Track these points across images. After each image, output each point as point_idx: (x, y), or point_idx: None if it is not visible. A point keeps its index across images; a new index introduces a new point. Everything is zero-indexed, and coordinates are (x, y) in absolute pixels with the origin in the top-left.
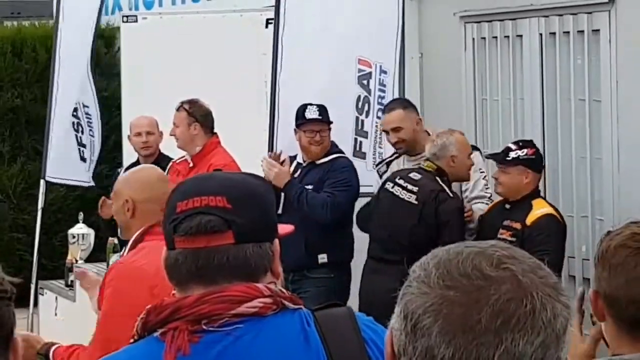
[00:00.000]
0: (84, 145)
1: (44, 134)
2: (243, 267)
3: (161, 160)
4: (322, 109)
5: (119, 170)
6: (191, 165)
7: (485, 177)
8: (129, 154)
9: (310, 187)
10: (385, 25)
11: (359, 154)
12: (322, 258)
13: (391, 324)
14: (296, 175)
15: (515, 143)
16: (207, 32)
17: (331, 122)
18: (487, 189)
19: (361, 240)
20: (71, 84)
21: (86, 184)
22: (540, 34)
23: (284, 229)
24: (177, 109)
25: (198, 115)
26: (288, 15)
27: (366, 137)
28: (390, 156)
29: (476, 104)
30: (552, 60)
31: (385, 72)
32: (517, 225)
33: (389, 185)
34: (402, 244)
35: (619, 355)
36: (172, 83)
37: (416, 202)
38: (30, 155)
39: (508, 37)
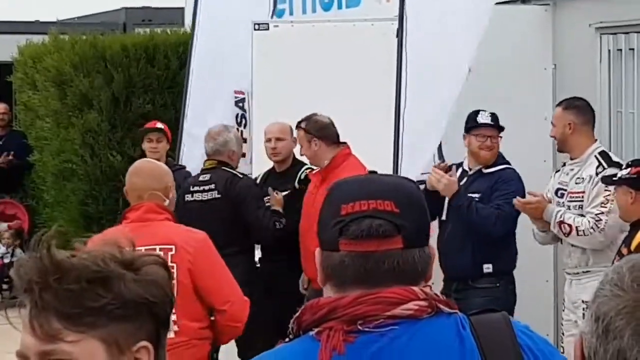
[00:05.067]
0: (244, 140)
1: (174, 139)
2: (411, 272)
3: (295, 166)
4: (493, 116)
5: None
6: (322, 178)
7: (607, 195)
8: (258, 160)
9: (477, 195)
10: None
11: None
12: (487, 268)
13: (581, 328)
14: (462, 182)
15: (628, 162)
16: (338, 41)
17: (502, 129)
18: (601, 207)
19: (524, 249)
20: (230, 75)
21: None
22: None
23: None
24: (296, 128)
25: (314, 130)
26: (409, 24)
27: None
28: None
29: (611, 116)
30: None
31: None
32: (624, 251)
33: (187, 197)
34: (222, 238)
35: None
36: (303, 91)
37: (219, 195)
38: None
39: None
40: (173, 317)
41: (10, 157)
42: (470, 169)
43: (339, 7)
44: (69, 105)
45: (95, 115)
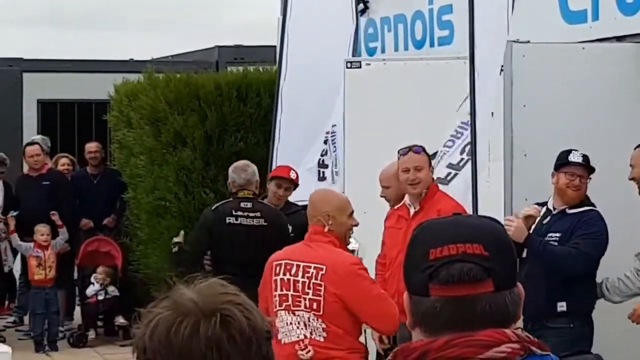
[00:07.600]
0: (325, 166)
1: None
2: (502, 315)
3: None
4: (585, 157)
5: None
6: (417, 209)
7: None
8: (351, 194)
9: (557, 235)
10: None
11: None
12: (561, 306)
13: None
14: (545, 221)
15: None
16: (430, 78)
17: (593, 171)
18: None
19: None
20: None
21: None
22: None
23: None
24: (417, 152)
25: (430, 157)
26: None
27: None
28: None
29: None
30: None
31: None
32: None
33: (231, 220)
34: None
35: None
36: (395, 128)
37: (266, 223)
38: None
39: None
40: (323, 325)
41: (113, 219)
42: (554, 208)
43: (432, 44)
44: (163, 143)
45: (189, 153)
